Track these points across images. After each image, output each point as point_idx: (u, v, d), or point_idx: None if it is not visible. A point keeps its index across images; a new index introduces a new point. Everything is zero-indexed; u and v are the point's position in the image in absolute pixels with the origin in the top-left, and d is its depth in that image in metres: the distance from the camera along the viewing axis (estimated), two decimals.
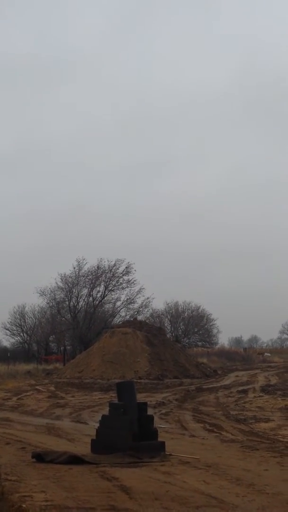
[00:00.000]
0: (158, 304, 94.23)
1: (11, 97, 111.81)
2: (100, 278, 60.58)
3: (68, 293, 61.20)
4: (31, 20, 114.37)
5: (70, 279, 60.75)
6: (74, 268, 60.47)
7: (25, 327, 68.43)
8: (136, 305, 61.31)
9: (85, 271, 60.50)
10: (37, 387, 31.85)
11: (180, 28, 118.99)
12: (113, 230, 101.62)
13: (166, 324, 73.92)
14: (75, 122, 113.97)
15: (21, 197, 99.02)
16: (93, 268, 60.48)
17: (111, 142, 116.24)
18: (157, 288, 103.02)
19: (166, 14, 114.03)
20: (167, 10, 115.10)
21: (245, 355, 62.58)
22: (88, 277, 60.58)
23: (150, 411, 13.22)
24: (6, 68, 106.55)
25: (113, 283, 60.33)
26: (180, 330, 76.36)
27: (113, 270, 60.01)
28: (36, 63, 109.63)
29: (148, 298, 61.43)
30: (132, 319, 52.24)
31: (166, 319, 76.54)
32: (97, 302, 61.18)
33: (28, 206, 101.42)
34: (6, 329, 67.51)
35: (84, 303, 61.43)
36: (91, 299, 61.05)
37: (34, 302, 73.40)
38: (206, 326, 77.55)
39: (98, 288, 60.90)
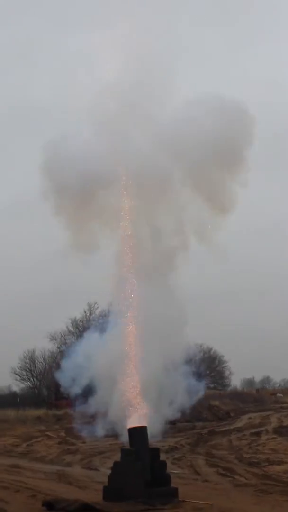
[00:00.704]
0: None
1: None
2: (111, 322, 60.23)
3: (79, 337, 60.94)
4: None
5: (81, 323, 60.63)
6: (85, 312, 60.44)
7: (35, 371, 67.83)
8: None
9: (96, 315, 60.37)
10: (47, 433, 31.48)
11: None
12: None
13: None
14: None
15: (38, 240, 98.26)
16: (104, 312, 60.32)
17: None
18: None
19: (185, 54, 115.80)
20: (188, 51, 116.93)
21: (257, 396, 61.70)
22: (99, 321, 60.41)
23: (162, 456, 13.04)
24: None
25: None
26: (192, 373, 75.45)
27: None
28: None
29: None
30: None
31: None
32: None
33: (44, 249, 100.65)
34: (16, 374, 66.94)
35: None
36: None
37: (45, 346, 72.97)
38: (218, 368, 76.76)
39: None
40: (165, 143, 12.66)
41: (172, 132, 12.65)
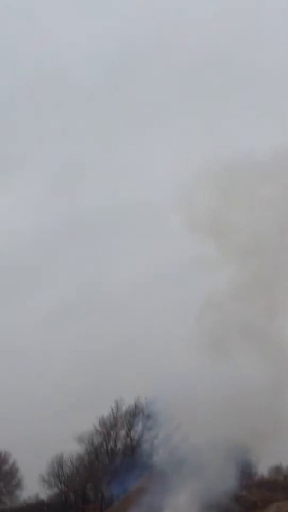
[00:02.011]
0: None
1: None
2: (138, 417, 60.97)
3: (106, 436, 61.49)
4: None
5: (108, 421, 61.33)
6: (112, 409, 61.37)
7: (63, 476, 68.01)
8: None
9: (123, 411, 61.21)
10: None
11: None
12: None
13: None
14: (139, 269, 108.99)
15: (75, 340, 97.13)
16: (131, 408, 61.04)
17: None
18: None
19: None
20: None
21: (285, 483, 61.31)
22: (126, 418, 61.08)
23: None
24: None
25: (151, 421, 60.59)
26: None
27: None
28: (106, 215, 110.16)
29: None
30: None
31: None
32: (134, 443, 61.21)
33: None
34: (44, 481, 67.09)
35: (122, 445, 61.56)
36: (129, 440, 61.17)
37: (72, 449, 73.13)
38: (243, 457, 76.00)
39: (135, 428, 61.08)
40: None
41: None
